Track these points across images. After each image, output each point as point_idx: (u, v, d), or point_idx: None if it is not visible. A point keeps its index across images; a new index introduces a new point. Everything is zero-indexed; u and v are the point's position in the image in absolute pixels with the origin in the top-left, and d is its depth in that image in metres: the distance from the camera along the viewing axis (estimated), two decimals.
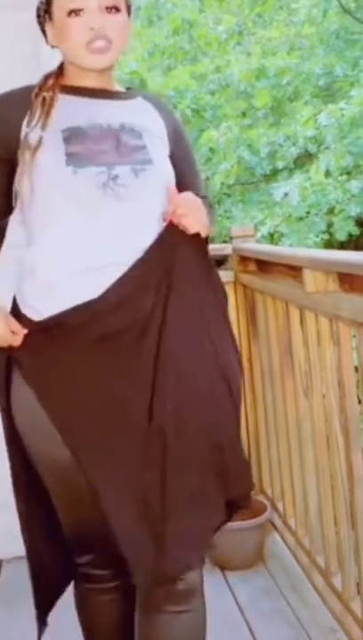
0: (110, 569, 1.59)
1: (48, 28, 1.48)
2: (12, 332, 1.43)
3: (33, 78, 1.60)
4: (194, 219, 1.46)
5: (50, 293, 1.42)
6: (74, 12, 1.42)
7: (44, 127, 1.42)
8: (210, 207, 1.60)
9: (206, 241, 1.53)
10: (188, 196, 1.48)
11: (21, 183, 1.43)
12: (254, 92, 8.40)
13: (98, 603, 1.64)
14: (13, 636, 2.21)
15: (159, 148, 1.51)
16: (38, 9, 1.49)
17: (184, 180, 1.54)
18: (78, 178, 1.40)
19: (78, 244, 1.42)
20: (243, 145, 7.70)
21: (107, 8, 1.43)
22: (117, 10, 1.44)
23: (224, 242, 3.09)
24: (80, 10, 1.42)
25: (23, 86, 1.51)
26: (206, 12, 10.03)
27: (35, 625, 2.27)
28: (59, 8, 1.44)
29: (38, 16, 1.50)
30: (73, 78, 1.50)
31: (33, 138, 1.42)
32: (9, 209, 1.49)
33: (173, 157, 1.53)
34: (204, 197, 1.60)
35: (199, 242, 1.49)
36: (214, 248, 3.05)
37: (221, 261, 2.97)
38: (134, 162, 1.44)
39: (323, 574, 2.19)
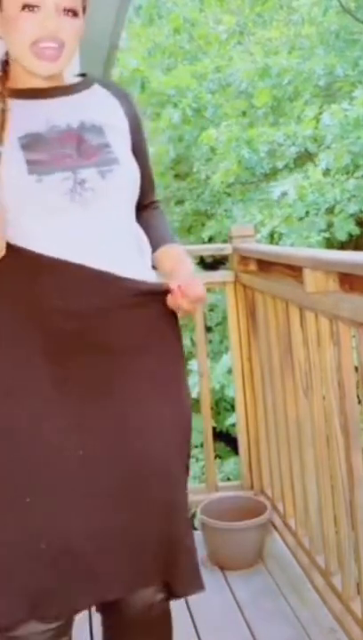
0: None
1: None
2: None
3: None
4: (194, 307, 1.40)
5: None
6: (28, 7, 1.31)
7: (1, 142, 1.33)
8: (162, 212, 1.58)
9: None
10: (196, 288, 1.38)
11: None
12: (255, 92, 8.41)
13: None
14: None
15: (122, 143, 1.42)
16: None
17: (143, 176, 1.47)
18: (43, 186, 1.32)
19: (46, 252, 1.34)
20: (243, 144, 7.70)
21: (65, 10, 1.33)
22: (75, 14, 1.35)
23: (224, 242, 3.09)
24: (36, 6, 1.31)
25: None
26: (207, 12, 10.05)
27: None
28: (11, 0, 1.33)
29: None
30: (21, 78, 1.40)
31: None
32: None
33: (133, 148, 1.45)
34: (157, 200, 1.58)
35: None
36: (214, 248, 3.06)
37: (220, 261, 2.98)
38: (99, 163, 1.36)
39: (323, 574, 2.19)
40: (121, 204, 1.40)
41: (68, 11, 1.33)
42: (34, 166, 1.32)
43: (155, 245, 1.49)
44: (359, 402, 1.97)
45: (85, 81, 1.47)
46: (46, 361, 1.33)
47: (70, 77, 1.46)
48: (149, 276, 1.42)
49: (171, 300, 1.39)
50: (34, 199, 1.32)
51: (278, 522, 2.64)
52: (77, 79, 1.47)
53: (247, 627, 2.18)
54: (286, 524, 2.56)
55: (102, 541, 1.34)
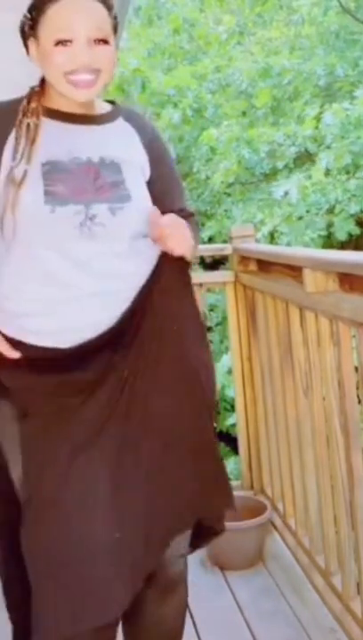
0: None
1: (31, 43, 1.44)
2: None
3: (34, 80, 1.58)
4: (179, 240, 1.44)
5: (19, 328, 1.45)
6: (61, 43, 1.39)
7: (28, 160, 1.41)
8: (195, 225, 1.61)
9: (189, 264, 1.53)
10: (172, 217, 1.46)
11: (5, 217, 1.41)
12: (255, 92, 8.41)
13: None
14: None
15: (138, 180, 1.50)
16: (23, 23, 1.45)
17: (167, 199, 1.54)
18: (56, 216, 1.40)
19: (53, 280, 1.43)
20: (243, 144, 7.70)
21: (95, 41, 1.39)
22: (106, 42, 1.41)
23: (224, 242, 3.09)
24: (68, 41, 1.38)
25: (7, 100, 1.49)
26: (207, 12, 10.04)
27: None
28: (46, 33, 1.40)
29: (22, 29, 1.46)
30: (55, 99, 1.47)
31: (18, 173, 1.41)
32: None
33: (154, 178, 1.53)
34: (190, 215, 1.61)
35: (182, 270, 1.50)
36: (214, 248, 3.05)
37: (220, 261, 2.98)
38: (112, 200, 1.44)
39: (323, 574, 2.19)
40: (129, 237, 1.46)
41: (100, 41, 1.40)
42: (50, 196, 1.40)
43: None
44: (359, 402, 1.97)
45: (112, 112, 1.54)
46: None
47: (101, 104, 1.54)
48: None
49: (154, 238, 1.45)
50: (45, 228, 1.40)
51: (278, 522, 2.64)
52: (107, 108, 1.55)
53: (247, 627, 2.18)
54: (286, 524, 2.56)
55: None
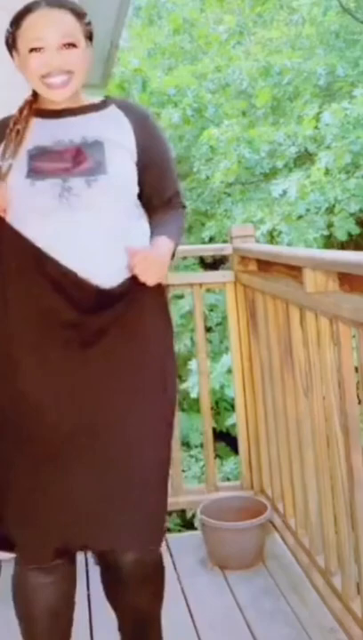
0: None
1: (15, 54, 1.62)
2: None
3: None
4: (152, 274, 1.57)
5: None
6: (34, 50, 1.56)
7: (14, 155, 1.59)
8: (179, 218, 1.75)
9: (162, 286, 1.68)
10: (145, 253, 1.58)
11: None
12: (255, 92, 8.41)
13: (38, 585, 1.68)
14: (14, 636, 2.20)
15: (121, 157, 1.61)
16: (6, 37, 1.62)
17: (152, 183, 1.67)
18: (35, 189, 1.56)
19: (37, 244, 1.55)
20: (244, 143, 7.70)
21: (65, 45, 1.56)
22: (74, 45, 1.57)
23: (224, 242, 3.09)
24: (40, 47, 1.56)
25: (2, 118, 1.67)
26: (207, 12, 10.04)
27: None
28: (22, 44, 1.58)
29: (7, 42, 1.63)
30: (42, 101, 1.65)
31: (4, 167, 1.58)
32: None
33: (141, 164, 1.64)
34: (175, 197, 1.74)
35: (157, 291, 1.64)
36: (214, 248, 3.05)
37: (220, 261, 2.99)
38: (88, 173, 1.57)
39: (323, 574, 2.19)
40: (106, 208, 1.58)
41: (69, 45, 1.57)
42: (32, 173, 1.57)
43: (152, 239, 1.67)
44: (359, 402, 1.97)
45: (101, 103, 1.68)
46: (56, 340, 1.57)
47: (90, 99, 1.69)
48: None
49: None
50: (27, 199, 1.56)
51: (278, 522, 2.64)
52: (96, 100, 1.69)
53: (247, 627, 2.18)
54: (286, 524, 2.56)
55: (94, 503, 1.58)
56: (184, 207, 1.79)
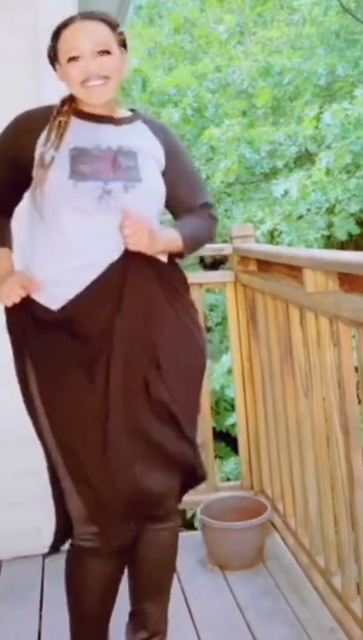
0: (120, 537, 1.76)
1: (57, 66, 1.76)
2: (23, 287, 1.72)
3: (34, 79, 1.67)
4: (136, 239, 1.68)
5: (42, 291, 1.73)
6: (72, 59, 1.70)
7: (57, 148, 1.70)
8: (212, 219, 1.89)
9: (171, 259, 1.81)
10: (138, 219, 1.68)
11: (35, 194, 1.71)
12: (255, 92, 8.40)
13: (94, 565, 1.78)
14: (13, 635, 2.21)
15: (152, 167, 1.77)
16: (49, 51, 1.76)
17: (179, 192, 1.83)
18: (78, 190, 1.68)
19: (74, 245, 1.69)
20: (244, 143, 7.70)
21: (100, 52, 1.70)
22: (108, 52, 1.71)
23: (224, 242, 3.09)
24: (78, 57, 1.70)
25: (44, 106, 1.79)
26: (207, 12, 10.04)
27: (35, 624, 2.28)
28: (62, 54, 1.72)
29: (49, 56, 1.77)
30: (82, 105, 1.77)
31: (47, 157, 1.70)
32: (8, 204, 1.81)
33: (168, 172, 1.81)
34: (203, 205, 1.87)
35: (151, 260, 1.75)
36: (214, 248, 3.05)
37: (220, 261, 2.99)
38: (126, 179, 1.71)
39: (323, 574, 2.19)
40: (140, 211, 1.69)
41: (103, 52, 1.71)
42: (74, 174, 1.69)
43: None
44: (359, 402, 1.97)
45: (132, 116, 1.84)
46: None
47: (122, 111, 1.83)
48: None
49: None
50: (68, 199, 1.68)
51: (278, 522, 2.63)
52: (127, 114, 1.84)
53: (247, 627, 2.18)
54: (286, 524, 2.56)
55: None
56: (214, 218, 1.90)
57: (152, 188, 1.76)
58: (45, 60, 1.79)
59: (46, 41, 1.76)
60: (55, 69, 1.78)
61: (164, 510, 1.83)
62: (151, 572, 1.91)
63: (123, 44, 1.77)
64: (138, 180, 1.73)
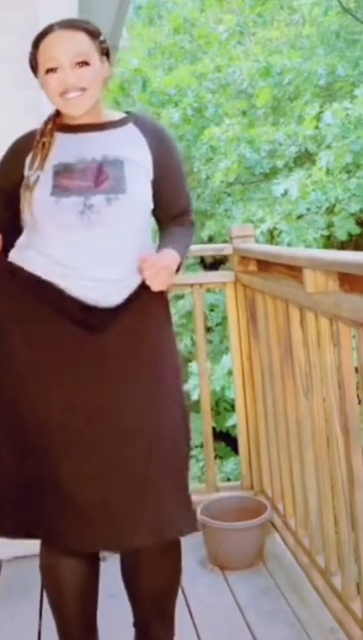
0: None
1: (38, 75, 1.72)
2: None
3: (33, 79, 1.67)
4: (158, 280, 1.65)
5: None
6: (51, 70, 1.66)
7: (41, 168, 1.69)
8: (188, 234, 1.84)
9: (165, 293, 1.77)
10: (155, 260, 1.65)
11: (24, 215, 1.70)
12: (255, 91, 8.40)
13: (68, 566, 1.78)
14: (13, 635, 2.21)
15: (139, 177, 1.71)
16: (30, 59, 1.72)
17: (166, 199, 1.77)
18: (60, 206, 1.65)
19: (59, 257, 1.67)
20: (244, 143, 7.70)
21: (78, 64, 1.66)
22: (87, 64, 1.66)
23: (224, 242, 3.09)
24: (55, 68, 1.66)
25: (28, 132, 1.78)
26: (207, 12, 10.03)
27: (35, 624, 2.28)
28: (40, 65, 1.69)
29: (31, 64, 1.72)
30: (65, 117, 1.74)
31: (32, 179, 1.69)
32: (9, 228, 1.76)
33: (156, 180, 1.74)
34: (186, 212, 1.84)
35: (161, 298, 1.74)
36: (214, 248, 3.05)
37: (220, 261, 2.99)
38: (109, 191, 1.67)
39: (323, 574, 2.19)
40: (124, 224, 1.68)
41: (82, 63, 1.66)
42: (57, 189, 1.67)
43: (159, 249, 1.75)
44: (359, 402, 1.97)
45: (121, 120, 1.77)
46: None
47: (109, 113, 1.78)
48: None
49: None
50: (51, 216, 1.66)
51: (278, 522, 2.63)
52: (116, 116, 1.78)
53: (247, 627, 2.18)
54: (286, 524, 2.56)
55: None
56: (193, 224, 1.88)
57: (137, 199, 1.70)
58: None
59: None
60: (37, 77, 1.74)
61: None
62: (151, 600, 1.85)
63: (105, 53, 1.72)
64: (122, 192, 1.67)
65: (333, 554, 2.11)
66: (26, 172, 1.71)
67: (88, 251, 1.66)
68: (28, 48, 1.73)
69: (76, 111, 1.69)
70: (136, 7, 10.07)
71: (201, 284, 2.95)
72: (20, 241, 1.76)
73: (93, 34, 1.70)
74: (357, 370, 1.93)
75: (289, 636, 2.11)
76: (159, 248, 1.74)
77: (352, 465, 1.90)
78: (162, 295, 1.74)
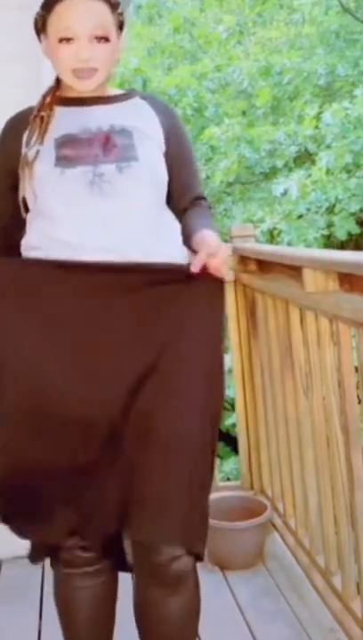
0: (96, 550, 1.60)
1: (43, 38, 1.56)
2: None
3: (34, 78, 1.65)
4: (221, 263, 1.47)
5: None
6: (65, 40, 1.50)
7: (41, 142, 1.54)
8: (209, 209, 1.69)
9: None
10: (214, 242, 1.49)
11: (25, 193, 1.55)
12: (255, 91, 8.41)
13: (79, 588, 1.63)
14: (13, 635, 2.21)
15: (150, 147, 1.56)
16: (36, 20, 1.56)
17: (180, 179, 1.62)
18: (65, 177, 1.50)
19: (67, 236, 1.50)
20: (244, 143, 7.70)
21: (96, 38, 1.50)
22: (107, 40, 1.52)
23: (224, 241, 3.08)
24: (70, 39, 1.50)
25: (26, 108, 1.63)
26: (207, 12, 10.04)
27: (35, 624, 2.28)
28: (52, 30, 1.52)
29: (35, 25, 1.57)
30: (69, 90, 1.59)
31: (31, 154, 1.53)
32: (10, 214, 1.60)
33: (169, 156, 1.60)
34: (202, 198, 1.67)
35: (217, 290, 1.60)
36: None
37: None
38: (120, 159, 1.51)
39: (323, 574, 2.19)
40: (139, 195, 1.53)
41: (101, 38, 1.50)
42: (61, 161, 1.51)
43: (191, 234, 1.58)
44: (359, 402, 1.97)
45: (127, 93, 1.65)
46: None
47: (114, 90, 1.66)
48: (166, 259, 1.53)
49: (196, 269, 1.47)
50: (57, 189, 1.51)
51: (278, 522, 2.63)
52: (122, 92, 1.65)
53: (247, 627, 2.18)
54: (286, 524, 2.56)
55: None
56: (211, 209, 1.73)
57: (151, 168, 1.55)
58: (46, 61, 1.64)
59: None
60: (40, 40, 1.58)
61: (172, 571, 1.54)
62: None
63: (120, 26, 1.56)
64: (134, 159, 1.52)
65: (333, 554, 2.11)
66: (23, 151, 1.55)
67: (100, 222, 1.50)
68: (26, 48, 1.69)
69: (86, 87, 1.55)
70: (136, 7, 10.06)
71: None
72: (25, 240, 1.60)
73: (113, 5, 1.53)
74: (357, 369, 1.93)
75: (289, 636, 2.11)
76: (195, 229, 1.56)
77: (352, 465, 1.90)
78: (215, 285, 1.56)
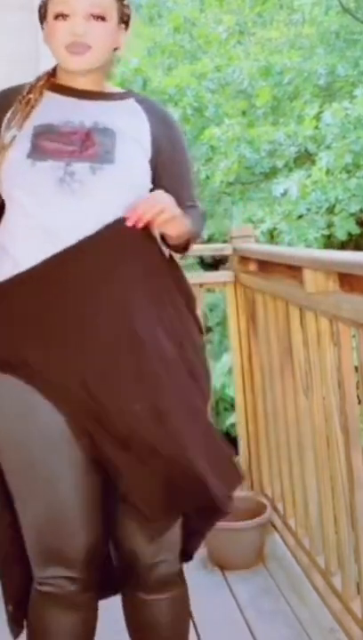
0: (81, 581, 1.48)
1: (45, 25, 1.54)
2: None
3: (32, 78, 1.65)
4: (146, 206, 1.43)
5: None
6: (61, 16, 1.47)
7: (20, 127, 1.49)
8: (200, 216, 1.62)
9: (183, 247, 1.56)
10: (152, 198, 1.46)
11: None
12: (255, 91, 8.41)
13: (62, 620, 1.49)
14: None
15: (132, 150, 1.51)
16: (40, 7, 1.54)
17: (168, 188, 1.51)
18: (36, 170, 1.45)
19: (33, 233, 1.46)
20: (244, 143, 7.71)
21: (92, 15, 1.47)
22: (103, 19, 1.48)
23: (224, 242, 3.09)
24: (66, 15, 1.47)
25: (17, 85, 1.57)
26: (207, 12, 10.04)
27: None
28: (50, 10, 1.50)
29: (40, 8, 1.54)
30: (63, 78, 1.56)
31: (7, 137, 1.48)
32: None
33: (156, 164, 1.54)
34: (192, 207, 1.59)
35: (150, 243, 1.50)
36: (214, 248, 3.06)
37: (220, 261, 2.98)
38: (95, 160, 1.46)
39: (323, 574, 2.19)
40: (112, 199, 1.47)
41: (97, 17, 1.47)
42: (34, 152, 1.46)
43: None
44: (359, 402, 1.98)
45: (123, 93, 1.60)
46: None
47: (111, 87, 1.61)
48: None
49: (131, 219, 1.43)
50: (25, 180, 1.46)
51: (278, 522, 2.63)
52: (118, 90, 1.61)
53: (247, 627, 2.18)
54: (286, 524, 2.56)
55: None
56: (203, 210, 1.66)
57: (128, 172, 1.48)
58: (45, 60, 1.67)
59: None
60: (42, 28, 1.54)
61: (157, 574, 1.52)
62: None
63: (125, 20, 1.55)
64: (109, 162, 1.46)
65: (333, 554, 2.11)
66: (2, 132, 1.50)
67: (72, 224, 1.44)
68: (25, 48, 1.69)
69: (77, 64, 1.49)
70: (136, 6, 10.06)
71: (201, 284, 2.95)
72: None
73: None
74: (357, 369, 1.93)
75: (289, 636, 2.11)
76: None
77: (352, 465, 1.90)
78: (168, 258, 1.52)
